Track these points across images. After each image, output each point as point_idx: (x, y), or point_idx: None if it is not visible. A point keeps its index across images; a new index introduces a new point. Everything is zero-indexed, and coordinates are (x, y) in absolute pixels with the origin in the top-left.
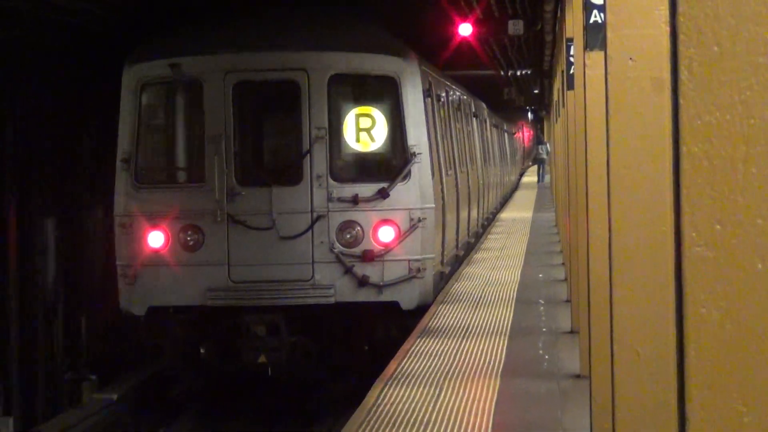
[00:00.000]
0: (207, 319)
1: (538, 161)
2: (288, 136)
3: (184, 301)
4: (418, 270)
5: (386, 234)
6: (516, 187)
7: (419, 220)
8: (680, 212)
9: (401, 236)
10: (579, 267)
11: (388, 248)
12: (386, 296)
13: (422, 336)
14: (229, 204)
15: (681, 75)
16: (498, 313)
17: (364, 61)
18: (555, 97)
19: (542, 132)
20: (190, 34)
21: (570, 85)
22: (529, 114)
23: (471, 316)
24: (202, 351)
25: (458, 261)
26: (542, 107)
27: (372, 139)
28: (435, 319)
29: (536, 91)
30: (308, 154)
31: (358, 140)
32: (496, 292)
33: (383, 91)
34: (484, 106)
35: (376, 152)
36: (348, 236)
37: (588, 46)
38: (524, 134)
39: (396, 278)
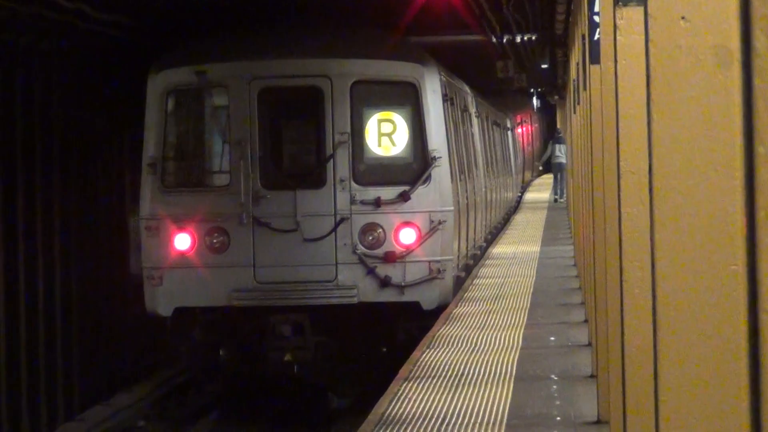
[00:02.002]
0: (231, 320)
1: (554, 167)
2: (311, 141)
3: (210, 302)
4: (439, 271)
5: (407, 236)
6: (516, 207)
7: (439, 223)
8: (756, 242)
9: (422, 238)
10: (609, 326)
11: (409, 250)
12: (408, 296)
13: (378, 430)
14: (254, 207)
15: (755, 42)
16: (489, 394)
17: (386, 68)
18: (572, 75)
19: (555, 125)
20: (215, 41)
21: (594, 58)
22: (535, 99)
23: (449, 399)
24: (221, 353)
25: (468, 269)
26: (553, 89)
27: (393, 143)
28: (397, 404)
29: (544, 66)
30: (331, 158)
31: (379, 145)
32: (486, 362)
33: (404, 97)
34: (479, 99)
35: (398, 156)
36: (370, 238)
37: (620, 0)
38: (527, 130)
39: (417, 279)
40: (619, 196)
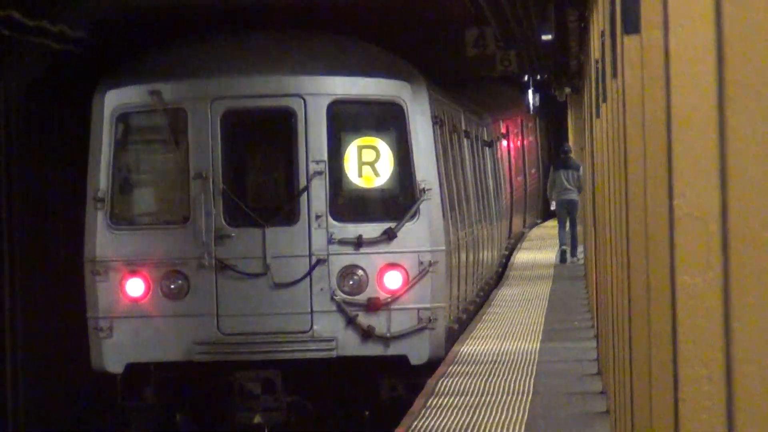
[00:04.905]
0: (191, 378)
1: (559, 207)
2: (283, 171)
3: (168, 356)
4: (429, 320)
5: (393, 280)
6: (501, 275)
7: (429, 264)
8: None
9: (410, 282)
10: None
11: (395, 296)
12: (394, 349)
13: None
14: (217, 247)
15: None
16: None
17: (368, 86)
18: (594, 55)
19: (564, 138)
20: (172, 56)
21: (631, 24)
22: (530, 94)
23: None
24: (177, 418)
25: (462, 324)
26: (563, 77)
27: (376, 173)
28: None
29: (547, 39)
30: (306, 191)
31: (360, 175)
32: None
33: (389, 120)
34: (469, 114)
35: (381, 188)
36: (351, 282)
37: None
38: (518, 145)
39: (404, 329)
40: (671, 255)
